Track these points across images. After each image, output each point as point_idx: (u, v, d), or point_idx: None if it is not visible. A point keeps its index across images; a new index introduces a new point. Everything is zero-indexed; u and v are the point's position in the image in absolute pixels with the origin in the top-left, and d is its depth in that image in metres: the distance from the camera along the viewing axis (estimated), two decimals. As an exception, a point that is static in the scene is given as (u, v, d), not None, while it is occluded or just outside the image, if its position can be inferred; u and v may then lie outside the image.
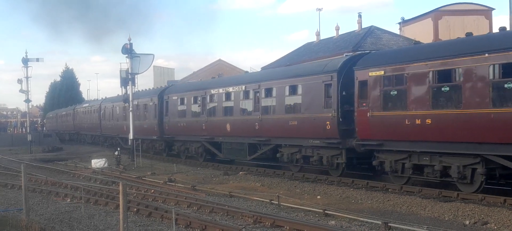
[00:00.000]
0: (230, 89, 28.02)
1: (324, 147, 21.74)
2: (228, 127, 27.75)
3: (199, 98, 31.02)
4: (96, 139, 53.41)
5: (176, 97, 33.94)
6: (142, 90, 45.57)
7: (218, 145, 29.45)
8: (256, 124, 25.38)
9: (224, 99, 28.51)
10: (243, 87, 26.80)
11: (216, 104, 29.26)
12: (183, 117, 32.73)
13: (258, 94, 25.69)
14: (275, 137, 24.62)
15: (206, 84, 32.22)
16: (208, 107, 29.89)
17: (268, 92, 25.10)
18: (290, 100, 23.67)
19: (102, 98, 55.06)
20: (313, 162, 22.69)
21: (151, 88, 42.94)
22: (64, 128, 68.96)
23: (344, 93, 20.72)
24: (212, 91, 29.60)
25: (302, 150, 23.06)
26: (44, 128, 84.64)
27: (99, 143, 50.90)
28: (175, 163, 32.00)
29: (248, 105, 26.41)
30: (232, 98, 27.86)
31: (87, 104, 59.69)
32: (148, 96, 38.54)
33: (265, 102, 25.15)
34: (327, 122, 21.04)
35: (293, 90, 23.44)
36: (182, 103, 33.07)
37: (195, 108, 31.46)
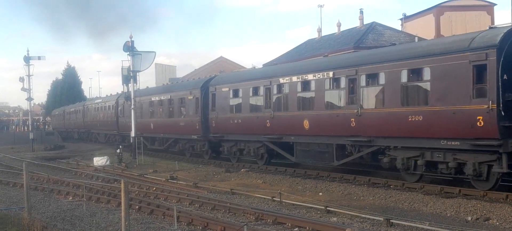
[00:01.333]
0: (309, 77, 22.45)
1: (468, 151, 16.56)
2: (305, 124, 22.36)
3: (261, 89, 25.44)
4: (111, 138, 48.05)
5: (227, 89, 28.21)
6: (178, 82, 40.52)
7: (289, 146, 24.24)
8: (352, 120, 20.03)
9: (299, 89, 23.07)
10: (330, 74, 21.37)
11: (287, 96, 23.79)
12: (237, 111, 27.25)
13: (354, 82, 20.28)
14: (381, 137, 19.26)
15: (272, 71, 26.47)
16: (275, 100, 24.51)
17: (372, 79, 19.76)
18: (410, 89, 18.25)
19: (118, 93, 49.50)
20: (443, 170, 17.47)
21: (194, 79, 36.32)
22: (72, 126, 63.77)
23: (505, 77, 15.57)
24: (281, 80, 24.05)
25: (426, 154, 17.89)
26: (46, 126, 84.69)
27: (116, 143, 44.39)
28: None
29: (339, 96, 21.14)
30: (313, 88, 22.38)
31: (100, 100, 53.88)
32: (186, 89, 33.00)
33: (367, 92, 19.80)
34: (479, 117, 15.78)
35: (416, 75, 18.07)
36: (235, 95, 27.52)
37: (256, 101, 25.97)
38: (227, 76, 30.68)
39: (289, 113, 23.59)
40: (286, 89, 23.92)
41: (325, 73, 21.72)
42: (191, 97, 31.47)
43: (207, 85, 30.27)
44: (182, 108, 33.15)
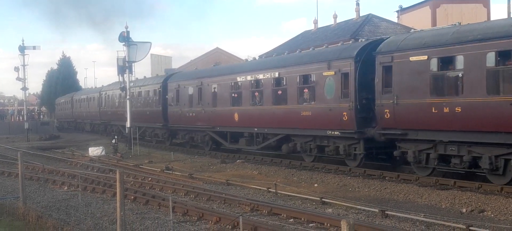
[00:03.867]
0: None
1: None
2: None
3: None
4: (148, 134, 38.21)
5: (423, 58, 17.18)
6: (298, 52, 26.73)
7: None
8: None
9: None
10: None
11: None
12: (447, 94, 16.79)
13: None
14: None
15: None
16: None
17: None
18: None
19: (158, 75, 39.86)
20: None
21: (337, 45, 24.49)
22: (83, 117, 55.77)
23: None
24: None
25: None
26: (41, 116, 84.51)
27: (163, 140, 36.10)
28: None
29: None
30: None
31: (131, 85, 37.44)
32: (318, 60, 22.38)
33: None
34: None
35: None
36: (445, 66, 16.87)
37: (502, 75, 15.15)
38: (418, 37, 18.25)
39: None
40: None
41: None
42: (330, 73, 21.27)
43: (369, 52, 19.84)
44: (304, 90, 22.96)
